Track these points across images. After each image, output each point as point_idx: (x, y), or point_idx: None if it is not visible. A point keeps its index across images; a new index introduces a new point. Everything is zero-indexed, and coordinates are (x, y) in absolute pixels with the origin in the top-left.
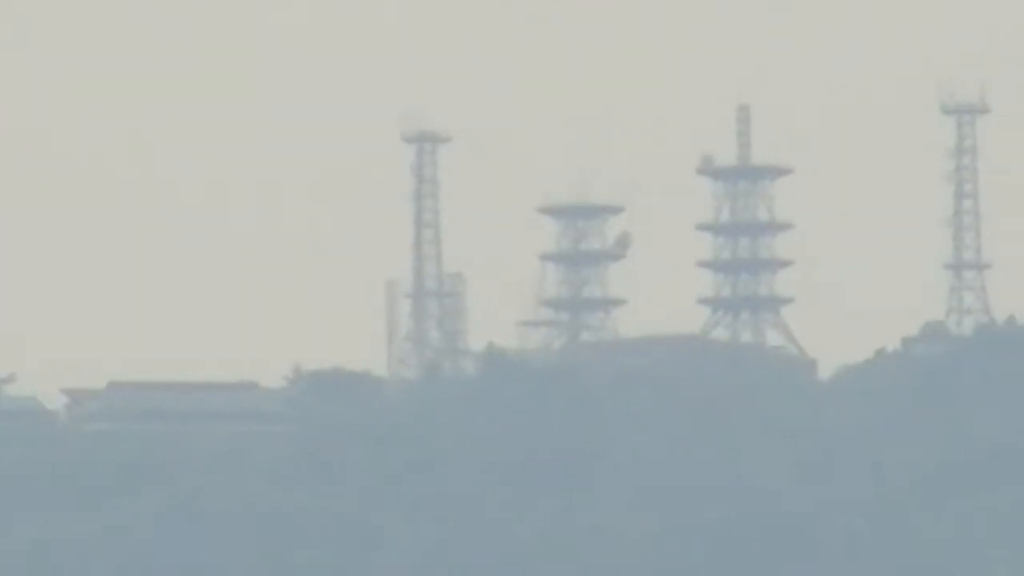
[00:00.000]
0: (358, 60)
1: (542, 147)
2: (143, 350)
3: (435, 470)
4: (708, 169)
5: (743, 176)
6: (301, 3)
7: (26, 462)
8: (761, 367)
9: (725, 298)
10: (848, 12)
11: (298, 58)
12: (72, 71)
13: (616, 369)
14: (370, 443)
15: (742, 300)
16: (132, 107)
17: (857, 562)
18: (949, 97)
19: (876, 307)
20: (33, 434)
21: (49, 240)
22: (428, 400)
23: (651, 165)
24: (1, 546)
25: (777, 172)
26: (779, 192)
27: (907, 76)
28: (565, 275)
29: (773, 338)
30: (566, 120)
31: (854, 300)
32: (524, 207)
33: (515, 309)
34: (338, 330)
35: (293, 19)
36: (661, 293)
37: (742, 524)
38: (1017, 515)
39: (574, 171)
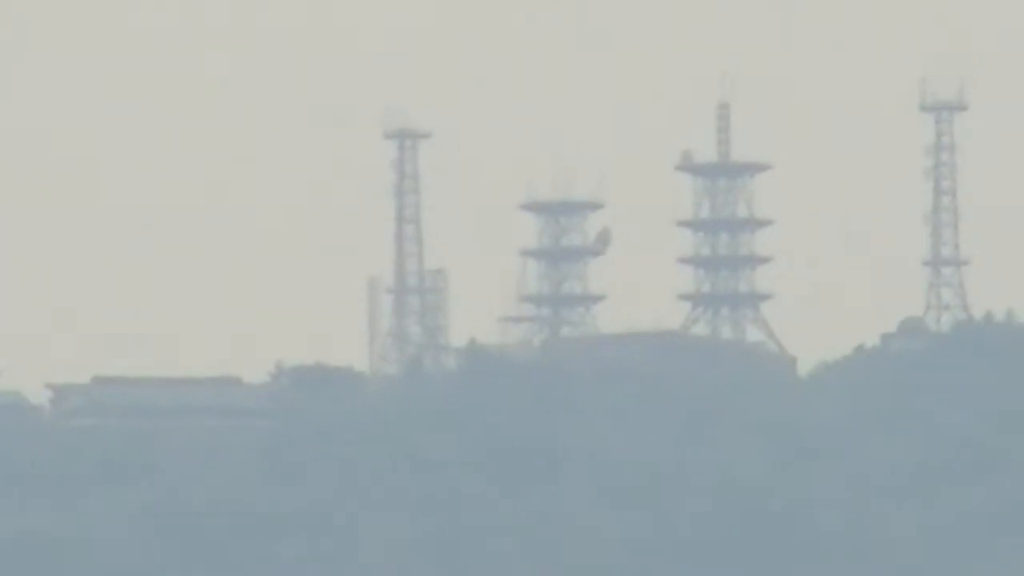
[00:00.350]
0: (339, 57)
1: (523, 143)
2: (127, 346)
3: (417, 465)
4: (688, 166)
5: (723, 173)
6: (282, 1)
7: (10, 456)
8: (741, 363)
9: (705, 294)
10: (828, 10)
11: (279, 56)
12: (61, 69)
13: (596, 364)
14: (352, 438)
15: (722, 296)
16: (117, 106)
17: (835, 557)
18: (928, 94)
19: (855, 303)
20: (17, 428)
21: (35, 236)
22: (410, 396)
23: (631, 161)
24: None
25: (756, 169)
26: (758, 189)
27: (886, 74)
28: (546, 271)
29: (753, 334)
30: (547, 117)
31: (833, 296)
32: (505, 203)
33: (496, 305)
34: (320, 326)
35: (274, 17)
36: (641, 289)
37: (722, 519)
38: (994, 510)
39: (554, 167)
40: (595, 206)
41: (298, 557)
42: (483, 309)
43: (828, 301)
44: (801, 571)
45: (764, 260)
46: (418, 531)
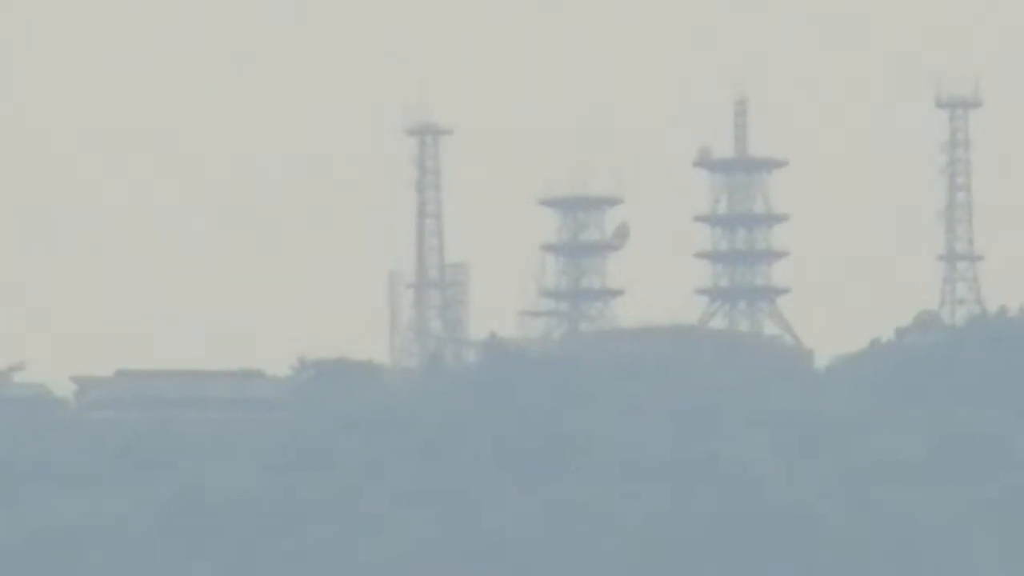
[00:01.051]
0: (361, 53)
1: (542, 140)
2: (151, 339)
3: (436, 457)
4: (705, 161)
5: (740, 168)
6: None
7: (35, 448)
8: (758, 356)
9: (722, 288)
10: (843, 6)
11: (302, 51)
12: (70, 66)
13: (615, 358)
14: (373, 431)
15: (739, 290)
16: (136, 100)
17: (849, 547)
18: (943, 91)
19: (871, 297)
20: (42, 421)
21: (59, 229)
22: (430, 389)
23: (649, 158)
24: (10, 530)
25: (773, 164)
26: (775, 184)
27: (901, 70)
28: (565, 266)
29: (770, 328)
30: (566, 113)
31: (849, 290)
32: (525, 199)
33: (516, 299)
34: (342, 320)
35: (296, 12)
36: (659, 283)
37: (737, 510)
38: (1006, 502)
39: (573, 163)
40: (613, 201)
41: (319, 548)
42: (503, 303)
43: (844, 295)
44: (815, 562)
45: (781, 255)
46: (437, 522)
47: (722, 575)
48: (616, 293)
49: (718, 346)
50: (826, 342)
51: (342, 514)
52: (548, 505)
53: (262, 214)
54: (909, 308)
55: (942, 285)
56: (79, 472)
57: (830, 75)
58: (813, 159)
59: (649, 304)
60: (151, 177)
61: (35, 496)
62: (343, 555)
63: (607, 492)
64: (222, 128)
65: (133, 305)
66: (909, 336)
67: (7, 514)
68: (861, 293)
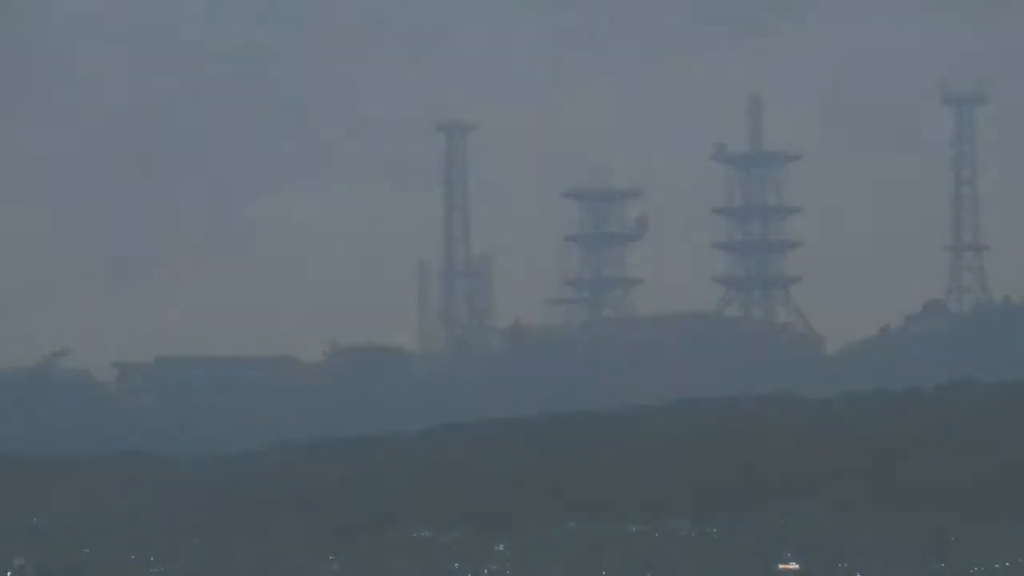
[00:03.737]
0: (394, 55)
1: (565, 135)
2: (189, 327)
3: (463, 439)
4: (722, 156)
5: (755, 162)
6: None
7: (78, 431)
8: (771, 343)
9: (738, 277)
10: (855, 6)
11: (339, 52)
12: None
13: (634, 344)
14: (402, 414)
15: (754, 279)
16: (174, 104)
17: (861, 527)
18: (950, 89)
19: (880, 286)
20: (85, 405)
21: (103, 224)
22: (457, 373)
23: (668, 152)
24: (53, 511)
25: (787, 159)
26: (789, 177)
27: (910, 68)
28: (587, 256)
29: (783, 315)
30: (588, 109)
31: (859, 280)
32: (548, 191)
33: (539, 287)
34: (373, 308)
35: (333, 14)
36: (677, 273)
37: (750, 488)
38: (1011, 484)
39: (595, 158)
40: (633, 194)
41: (349, 527)
42: (527, 291)
43: (854, 284)
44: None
45: (794, 245)
46: (463, 502)
47: None
48: (636, 282)
49: (734, 333)
50: (837, 329)
51: (371, 496)
52: (568, 485)
53: (298, 207)
54: (917, 297)
55: (949, 274)
56: (119, 455)
57: (841, 72)
58: (825, 153)
59: (667, 292)
60: (191, 175)
61: (77, 477)
62: (373, 531)
63: (626, 469)
64: (264, 123)
65: (173, 296)
66: (917, 324)
67: (49, 495)
68: (871, 282)
